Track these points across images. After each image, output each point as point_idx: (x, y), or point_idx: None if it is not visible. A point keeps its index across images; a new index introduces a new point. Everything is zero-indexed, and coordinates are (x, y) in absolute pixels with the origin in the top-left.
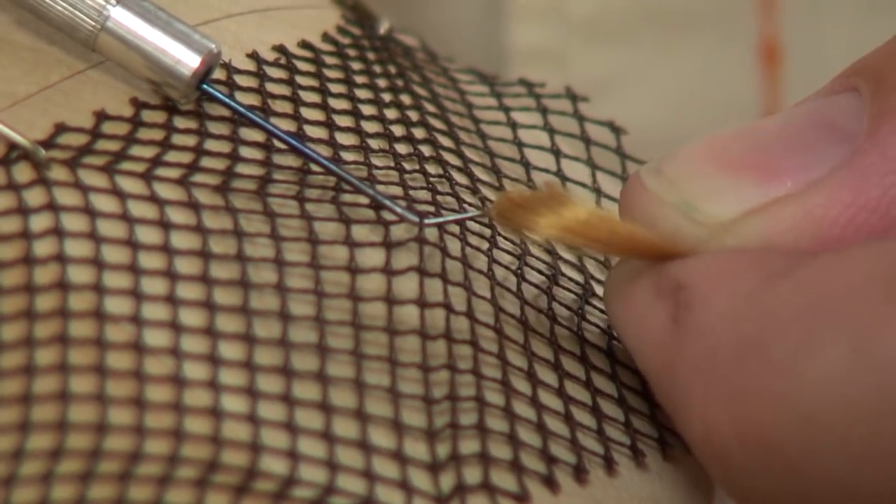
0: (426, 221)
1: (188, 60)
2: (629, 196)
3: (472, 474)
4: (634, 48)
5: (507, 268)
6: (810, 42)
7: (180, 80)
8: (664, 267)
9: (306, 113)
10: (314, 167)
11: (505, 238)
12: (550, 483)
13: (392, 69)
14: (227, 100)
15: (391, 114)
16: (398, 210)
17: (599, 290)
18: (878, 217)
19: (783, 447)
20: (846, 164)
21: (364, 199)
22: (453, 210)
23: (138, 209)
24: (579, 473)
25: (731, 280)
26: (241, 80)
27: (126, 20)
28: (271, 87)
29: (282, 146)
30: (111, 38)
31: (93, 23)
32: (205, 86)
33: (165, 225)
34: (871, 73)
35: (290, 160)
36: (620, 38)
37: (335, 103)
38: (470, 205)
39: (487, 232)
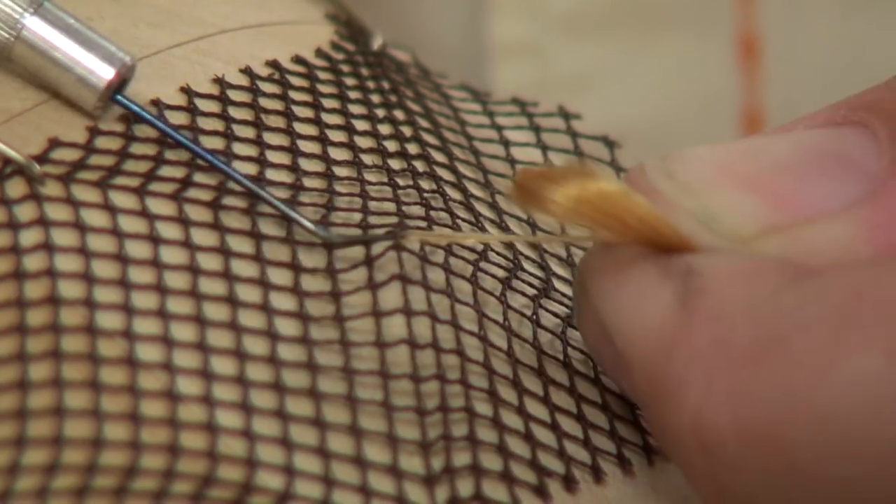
0: (336, 241)
1: (102, 72)
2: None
3: (465, 487)
4: (614, 43)
5: (494, 277)
6: (789, 36)
7: (94, 92)
8: (675, 254)
9: (299, 128)
10: (306, 183)
11: (497, 252)
12: (541, 493)
13: (385, 85)
14: (144, 113)
15: (385, 129)
16: (308, 225)
17: None
18: None
19: (789, 445)
20: (868, 201)
21: (352, 219)
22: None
23: (130, 224)
24: (569, 483)
25: (752, 274)
26: (235, 96)
27: (41, 30)
28: (264, 103)
29: (275, 161)
30: (26, 48)
31: (7, 32)
32: (119, 97)
33: (156, 240)
34: (886, 111)
35: (284, 176)
36: (600, 32)
37: (329, 119)
38: (463, 220)
39: (479, 246)
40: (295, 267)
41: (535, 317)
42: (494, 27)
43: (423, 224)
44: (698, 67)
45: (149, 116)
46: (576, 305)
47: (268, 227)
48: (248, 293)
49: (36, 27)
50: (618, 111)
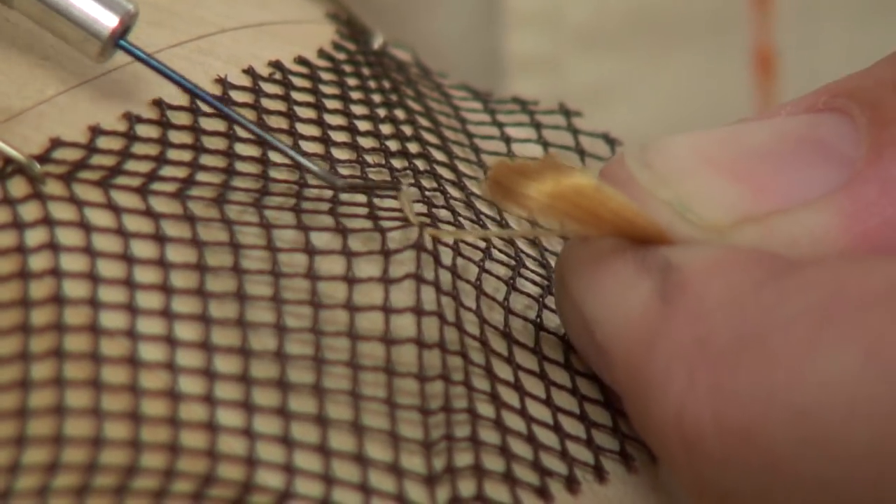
0: (342, 183)
1: (105, 20)
2: (614, 184)
3: (467, 487)
4: (630, 57)
5: (498, 278)
6: (805, 51)
7: (98, 39)
8: (652, 247)
9: (302, 129)
10: (310, 180)
11: (499, 250)
12: (544, 494)
13: (386, 84)
14: (151, 61)
15: (386, 129)
16: (315, 169)
17: None
18: (875, 247)
19: (767, 441)
20: (845, 190)
21: (360, 210)
22: (450, 223)
23: (133, 223)
24: (571, 484)
25: (731, 268)
26: (237, 96)
27: None
28: (267, 103)
29: (277, 161)
30: None
31: None
32: (122, 42)
33: (160, 239)
34: (866, 98)
35: (287, 174)
36: (616, 46)
37: (331, 119)
38: (465, 218)
39: (482, 244)
40: (309, 252)
41: (539, 319)
42: (510, 41)
43: (426, 221)
44: (714, 82)
45: (155, 63)
46: (556, 298)
47: (274, 219)
48: (255, 288)
49: None
50: (633, 125)
